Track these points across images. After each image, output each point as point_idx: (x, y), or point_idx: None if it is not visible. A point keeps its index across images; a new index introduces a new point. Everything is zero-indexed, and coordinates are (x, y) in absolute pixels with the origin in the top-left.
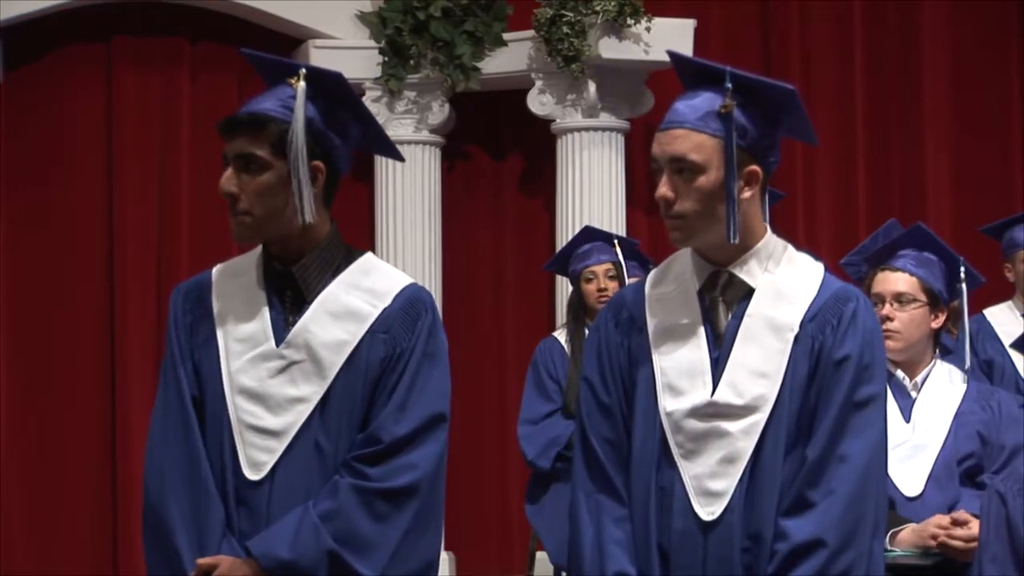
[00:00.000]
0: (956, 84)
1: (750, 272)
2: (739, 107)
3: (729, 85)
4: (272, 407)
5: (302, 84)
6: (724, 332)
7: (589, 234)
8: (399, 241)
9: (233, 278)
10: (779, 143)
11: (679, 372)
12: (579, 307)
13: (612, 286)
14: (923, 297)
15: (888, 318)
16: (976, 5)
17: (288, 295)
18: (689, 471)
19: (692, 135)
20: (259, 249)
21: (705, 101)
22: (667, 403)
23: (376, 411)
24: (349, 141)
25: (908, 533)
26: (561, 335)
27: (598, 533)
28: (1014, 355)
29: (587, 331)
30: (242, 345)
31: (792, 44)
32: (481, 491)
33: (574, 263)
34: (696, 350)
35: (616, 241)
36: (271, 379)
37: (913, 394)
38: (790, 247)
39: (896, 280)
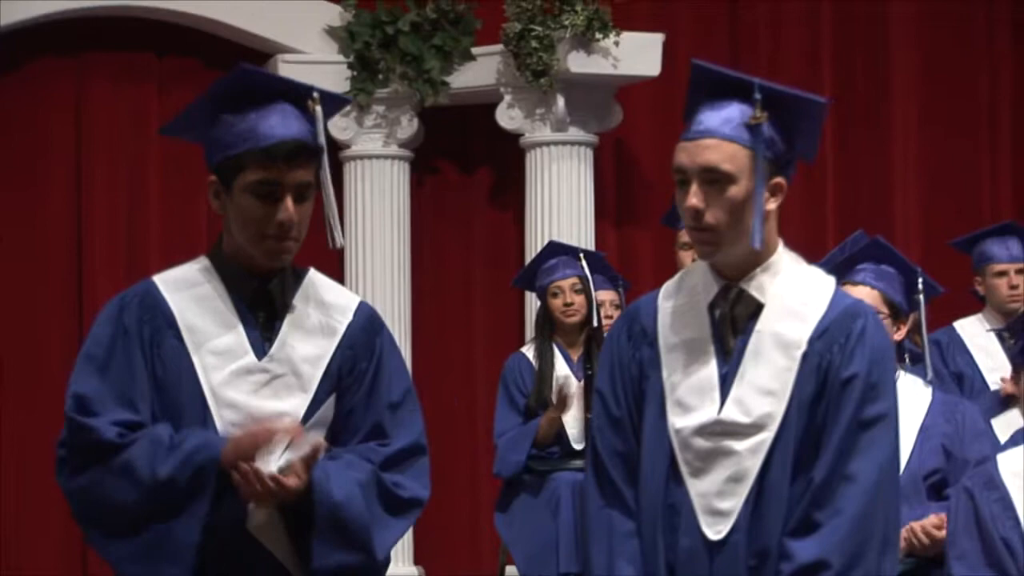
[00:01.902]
0: (925, 88)
1: (760, 287)
2: (769, 119)
3: (758, 96)
4: (259, 421)
5: (319, 108)
6: (733, 348)
7: (554, 249)
8: (368, 255)
9: (185, 290)
10: (806, 157)
11: (688, 388)
12: (546, 322)
13: (578, 300)
14: (885, 310)
15: None
16: (945, 8)
17: (260, 309)
18: (696, 489)
19: (724, 145)
20: (205, 260)
21: (734, 111)
22: (676, 420)
23: (358, 421)
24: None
25: None
26: (529, 350)
27: (609, 548)
28: (983, 366)
29: (555, 346)
30: (219, 359)
31: (760, 58)
32: (450, 504)
33: (540, 278)
34: (705, 366)
35: (581, 255)
36: (255, 393)
37: None
38: (802, 261)
39: (858, 294)
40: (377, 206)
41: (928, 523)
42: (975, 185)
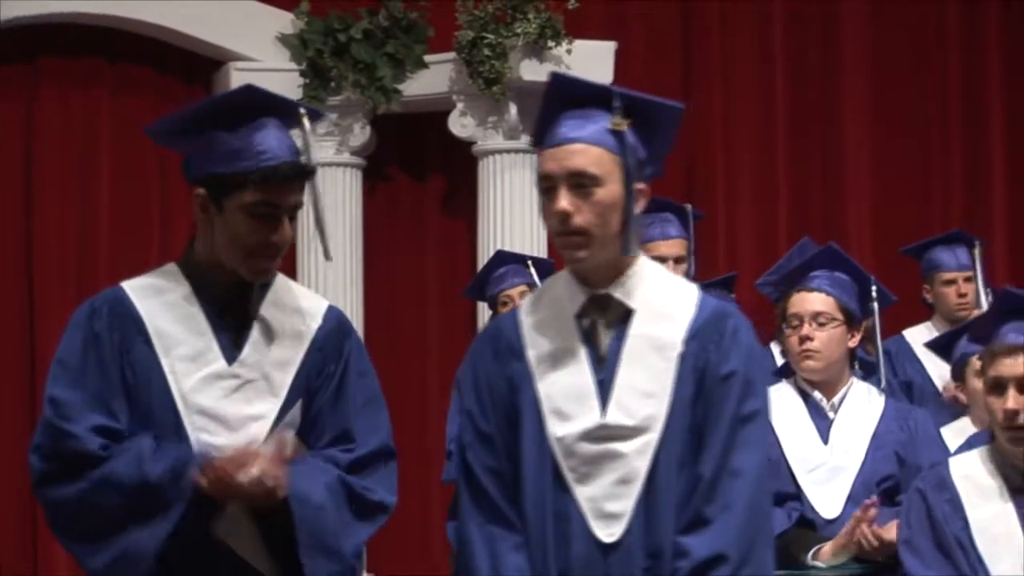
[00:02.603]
0: (877, 91)
1: (629, 293)
2: (630, 126)
3: (618, 103)
4: (230, 426)
5: (308, 123)
6: (606, 354)
7: (502, 258)
8: (321, 263)
9: (155, 296)
10: (661, 162)
11: (564, 396)
12: None
13: None
14: (840, 316)
15: (808, 338)
16: (896, 10)
17: (230, 315)
18: (584, 494)
19: (591, 149)
20: (174, 267)
21: (597, 119)
22: (555, 428)
23: (325, 424)
24: None
25: (830, 545)
26: None
27: (494, 564)
28: (933, 375)
29: None
30: (190, 365)
31: (713, 63)
32: (402, 511)
33: (490, 288)
34: (579, 374)
35: (530, 263)
36: (226, 398)
37: (831, 415)
38: (662, 268)
39: (814, 300)
40: (329, 214)
41: (880, 528)
42: (926, 191)
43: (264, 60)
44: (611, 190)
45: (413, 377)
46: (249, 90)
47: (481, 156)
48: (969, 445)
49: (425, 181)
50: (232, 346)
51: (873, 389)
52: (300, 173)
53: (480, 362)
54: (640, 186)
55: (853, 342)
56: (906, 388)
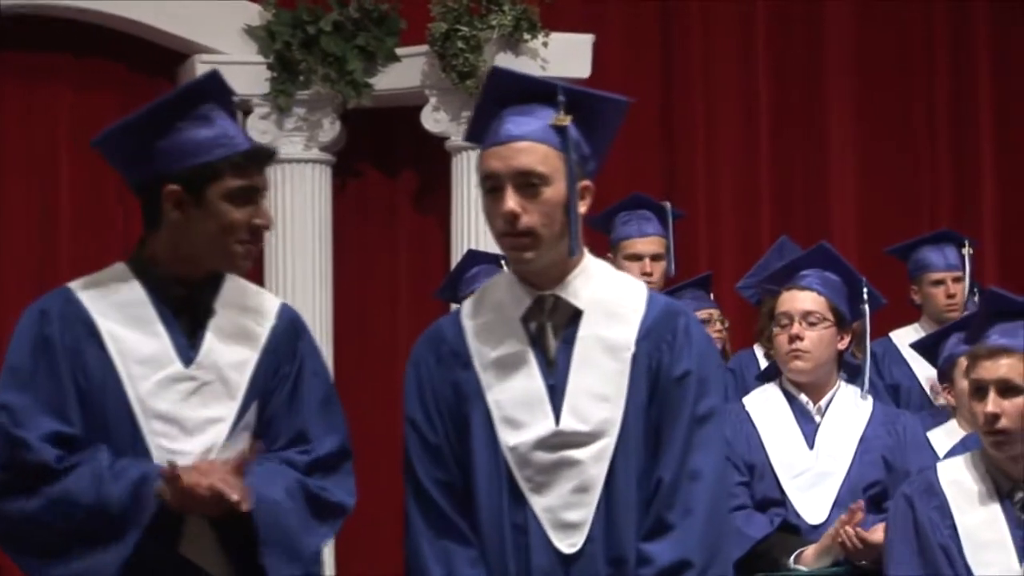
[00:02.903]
0: (863, 89)
1: (575, 294)
2: (572, 122)
3: (562, 98)
4: (188, 430)
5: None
6: (556, 358)
7: (474, 258)
8: (290, 262)
9: (105, 297)
10: (602, 159)
11: (515, 404)
12: None
13: None
14: (831, 317)
15: (798, 337)
16: (881, 9)
17: (185, 316)
18: (540, 505)
19: (537, 147)
20: (123, 267)
21: (541, 115)
22: (508, 437)
23: (280, 426)
24: None
25: (812, 549)
26: None
27: None
28: (920, 377)
29: None
30: (145, 368)
31: (694, 61)
32: (372, 514)
33: (463, 288)
34: (529, 379)
35: (503, 263)
36: (183, 402)
37: (817, 419)
38: (609, 266)
39: (804, 299)
40: (298, 212)
41: (865, 531)
42: (914, 190)
43: (231, 53)
44: (558, 189)
45: (383, 379)
46: (207, 81)
47: (454, 152)
48: (964, 447)
49: (397, 178)
50: (188, 347)
51: (859, 392)
52: (269, 155)
53: (423, 368)
54: (585, 183)
55: (842, 344)
56: (893, 391)
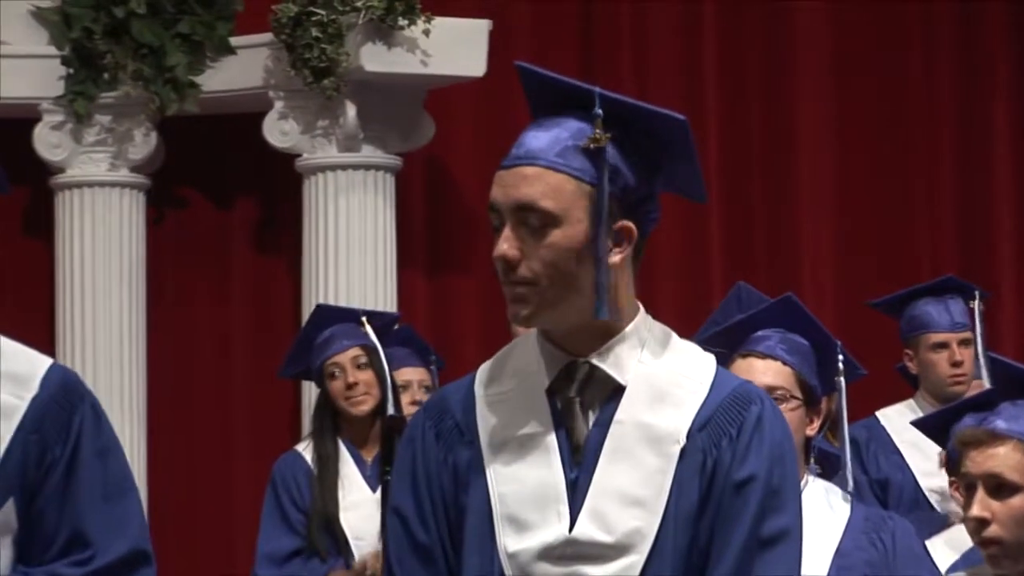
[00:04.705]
0: (841, 108)
1: (618, 364)
2: (612, 141)
3: (599, 111)
4: None
5: None
6: (584, 444)
7: (324, 315)
8: (89, 315)
9: None
10: (658, 195)
11: (524, 500)
12: (326, 412)
13: (364, 379)
14: (799, 394)
15: None
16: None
17: None
18: None
19: (546, 175)
20: None
21: (566, 132)
22: (509, 542)
23: (50, 528)
24: None
25: None
26: (306, 449)
27: None
28: (916, 470)
29: (341, 444)
30: None
31: (622, 70)
32: None
33: (314, 357)
34: (546, 469)
35: (364, 318)
36: None
37: None
38: (672, 332)
39: (766, 370)
40: (101, 249)
41: None
42: (906, 230)
43: (14, 43)
44: (573, 230)
45: (214, 470)
46: None
47: (308, 173)
48: (967, 561)
49: (231, 207)
50: None
51: (834, 489)
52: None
53: (418, 445)
54: (624, 224)
55: (812, 429)
56: (881, 488)
